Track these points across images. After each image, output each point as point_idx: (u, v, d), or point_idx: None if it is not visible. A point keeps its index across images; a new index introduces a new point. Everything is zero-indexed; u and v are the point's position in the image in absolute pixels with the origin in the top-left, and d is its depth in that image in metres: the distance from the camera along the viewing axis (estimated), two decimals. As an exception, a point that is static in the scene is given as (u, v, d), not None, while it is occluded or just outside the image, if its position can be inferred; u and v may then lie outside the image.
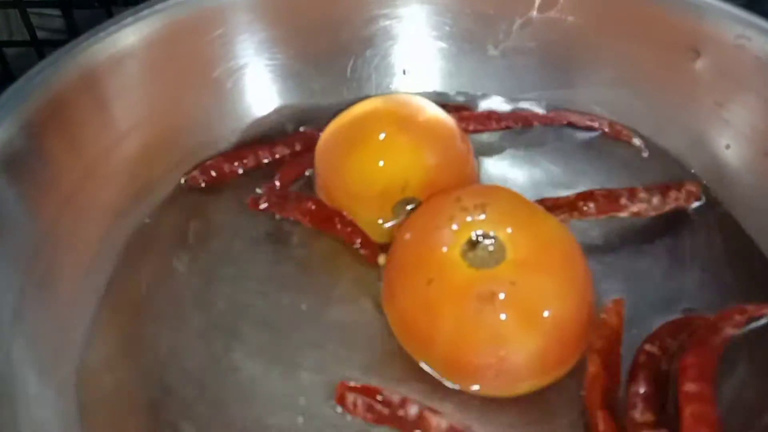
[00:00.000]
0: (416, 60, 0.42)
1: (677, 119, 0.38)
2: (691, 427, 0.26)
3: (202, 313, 0.32)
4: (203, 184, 0.37)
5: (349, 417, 0.28)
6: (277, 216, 0.35)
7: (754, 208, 0.34)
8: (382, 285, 0.31)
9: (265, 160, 0.38)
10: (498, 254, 0.28)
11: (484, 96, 0.41)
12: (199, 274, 0.33)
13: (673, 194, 0.34)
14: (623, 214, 0.34)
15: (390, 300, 0.30)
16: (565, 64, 0.40)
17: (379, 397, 0.28)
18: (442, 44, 0.41)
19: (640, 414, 0.27)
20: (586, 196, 0.34)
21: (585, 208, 0.34)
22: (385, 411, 0.28)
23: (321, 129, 0.36)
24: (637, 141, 0.38)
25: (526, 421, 0.28)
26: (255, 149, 0.38)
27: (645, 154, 0.38)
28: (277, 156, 0.38)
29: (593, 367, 0.28)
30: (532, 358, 0.27)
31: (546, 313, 0.27)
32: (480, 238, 0.28)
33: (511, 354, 0.27)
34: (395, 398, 0.28)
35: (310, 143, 0.37)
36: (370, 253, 0.33)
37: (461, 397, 0.29)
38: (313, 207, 0.34)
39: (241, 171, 0.38)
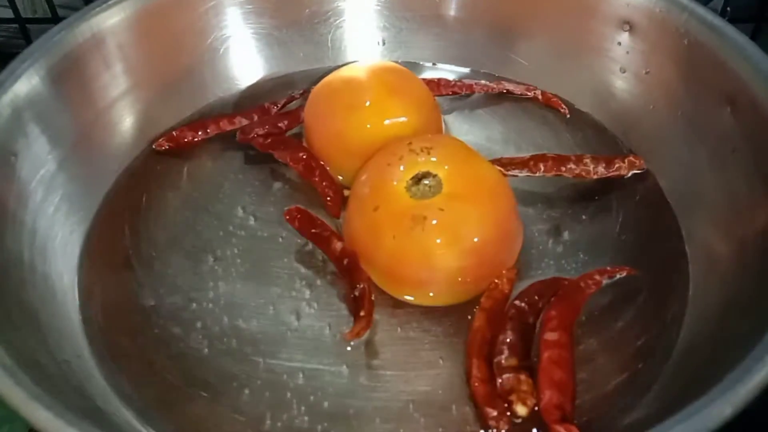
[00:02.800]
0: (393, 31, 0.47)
1: (601, 83, 0.43)
2: (547, 369, 0.29)
3: (192, 238, 0.37)
4: (167, 146, 0.41)
5: (307, 323, 0.34)
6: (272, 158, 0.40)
7: (668, 161, 0.39)
8: (343, 216, 0.37)
9: (227, 129, 0.42)
10: (436, 189, 0.33)
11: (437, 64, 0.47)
12: (191, 207, 0.39)
13: (617, 164, 0.39)
14: (568, 176, 0.38)
15: (347, 226, 0.36)
16: (505, 37, 0.45)
17: (315, 222, 0.36)
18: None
19: (505, 359, 0.30)
20: (539, 157, 0.39)
21: (536, 167, 0.38)
22: (314, 230, 0.36)
23: (277, 102, 0.43)
24: (563, 107, 0.43)
25: (456, 330, 0.33)
26: (217, 119, 0.42)
27: (567, 116, 0.43)
28: (237, 126, 0.42)
29: (477, 322, 0.32)
30: (454, 273, 0.32)
31: (467, 236, 0.32)
32: (422, 176, 0.34)
33: (436, 268, 0.32)
34: (320, 223, 0.36)
35: (266, 114, 0.43)
36: (334, 207, 0.38)
37: (407, 309, 0.34)
38: (304, 156, 0.39)
39: (201, 139, 0.42)
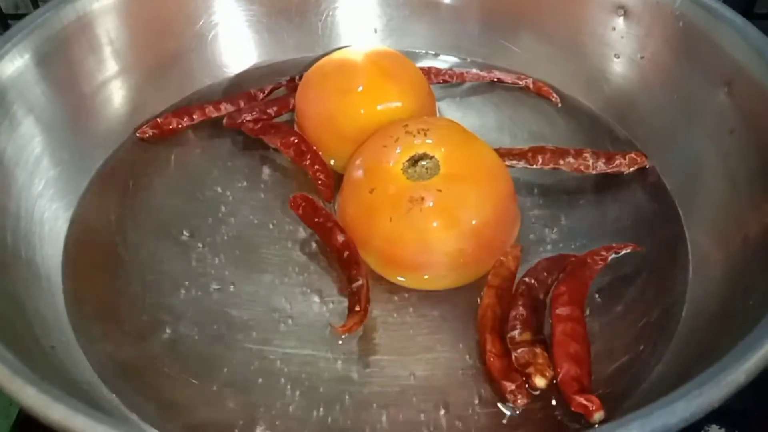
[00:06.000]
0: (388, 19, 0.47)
1: (596, 69, 0.43)
2: (562, 342, 0.29)
3: (181, 225, 0.36)
4: (151, 134, 0.40)
5: (300, 310, 0.33)
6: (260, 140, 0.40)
7: (664, 146, 0.39)
8: (338, 200, 0.37)
9: (212, 116, 0.41)
10: (433, 170, 0.33)
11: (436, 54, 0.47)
12: (179, 194, 0.38)
13: (617, 160, 0.38)
14: (566, 169, 0.38)
15: (341, 209, 0.35)
16: (499, 25, 0.45)
17: (319, 212, 0.35)
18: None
19: (518, 334, 0.30)
20: (537, 149, 0.38)
21: (534, 159, 0.38)
22: (317, 219, 0.35)
23: (264, 89, 0.42)
24: (554, 96, 0.43)
25: (454, 315, 0.33)
26: (203, 105, 0.41)
27: (559, 105, 0.43)
28: (223, 112, 0.41)
29: (486, 299, 0.32)
30: (452, 255, 0.32)
31: (466, 217, 0.32)
32: (419, 157, 0.33)
33: (434, 250, 0.32)
34: (324, 213, 0.35)
35: (252, 101, 0.42)
36: (326, 191, 0.37)
37: (403, 294, 0.33)
38: (295, 141, 0.38)
39: (186, 125, 0.41)
